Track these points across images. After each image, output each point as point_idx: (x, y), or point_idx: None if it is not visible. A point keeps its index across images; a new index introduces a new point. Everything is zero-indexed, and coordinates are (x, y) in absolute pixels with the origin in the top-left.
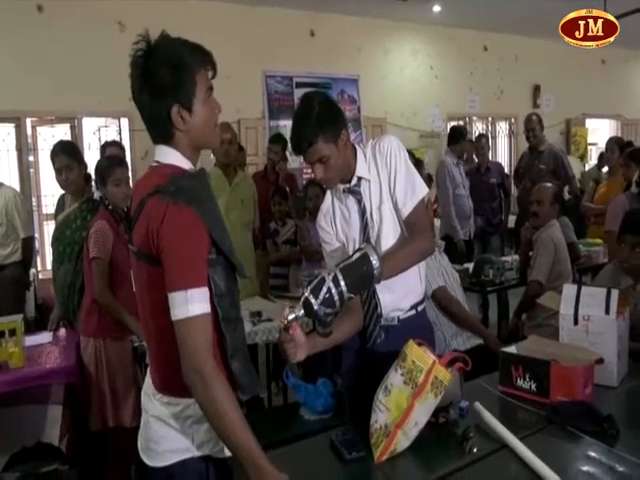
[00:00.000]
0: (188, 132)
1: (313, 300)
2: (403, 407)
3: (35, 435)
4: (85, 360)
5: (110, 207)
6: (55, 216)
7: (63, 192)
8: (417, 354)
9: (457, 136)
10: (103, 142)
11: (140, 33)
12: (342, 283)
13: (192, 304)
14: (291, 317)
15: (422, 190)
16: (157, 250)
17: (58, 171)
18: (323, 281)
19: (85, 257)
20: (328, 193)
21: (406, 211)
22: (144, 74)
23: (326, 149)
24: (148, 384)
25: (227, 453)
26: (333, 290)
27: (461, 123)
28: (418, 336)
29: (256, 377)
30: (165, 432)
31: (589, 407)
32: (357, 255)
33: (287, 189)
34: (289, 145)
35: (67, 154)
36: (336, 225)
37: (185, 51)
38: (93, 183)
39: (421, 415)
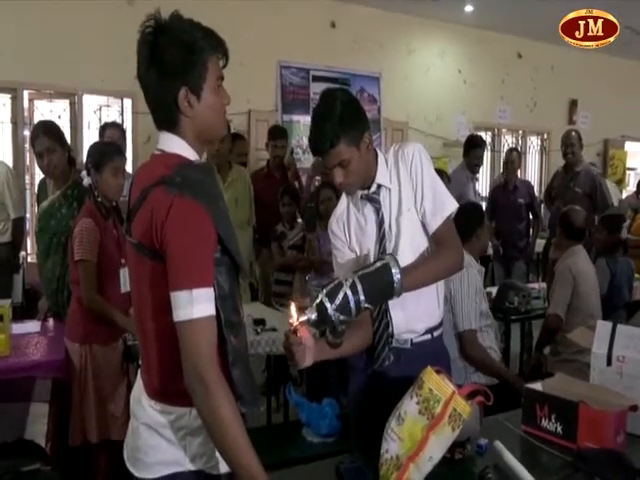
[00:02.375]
0: (194, 119)
1: (328, 304)
2: (417, 438)
3: (16, 433)
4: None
5: (99, 198)
6: (37, 203)
7: (44, 176)
8: (435, 382)
9: (469, 145)
10: (103, 123)
11: (150, 12)
12: (360, 291)
13: (197, 305)
14: (303, 319)
15: (452, 204)
16: (161, 245)
17: (39, 155)
18: (340, 286)
19: (70, 259)
20: (343, 197)
21: (435, 225)
22: (153, 52)
23: (347, 152)
24: (139, 388)
25: (222, 470)
26: (350, 297)
27: (489, 134)
28: (433, 363)
29: (257, 389)
30: (156, 442)
31: (621, 457)
32: (378, 264)
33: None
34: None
35: (49, 136)
36: (350, 233)
37: (198, 34)
38: (84, 169)
39: (436, 449)
